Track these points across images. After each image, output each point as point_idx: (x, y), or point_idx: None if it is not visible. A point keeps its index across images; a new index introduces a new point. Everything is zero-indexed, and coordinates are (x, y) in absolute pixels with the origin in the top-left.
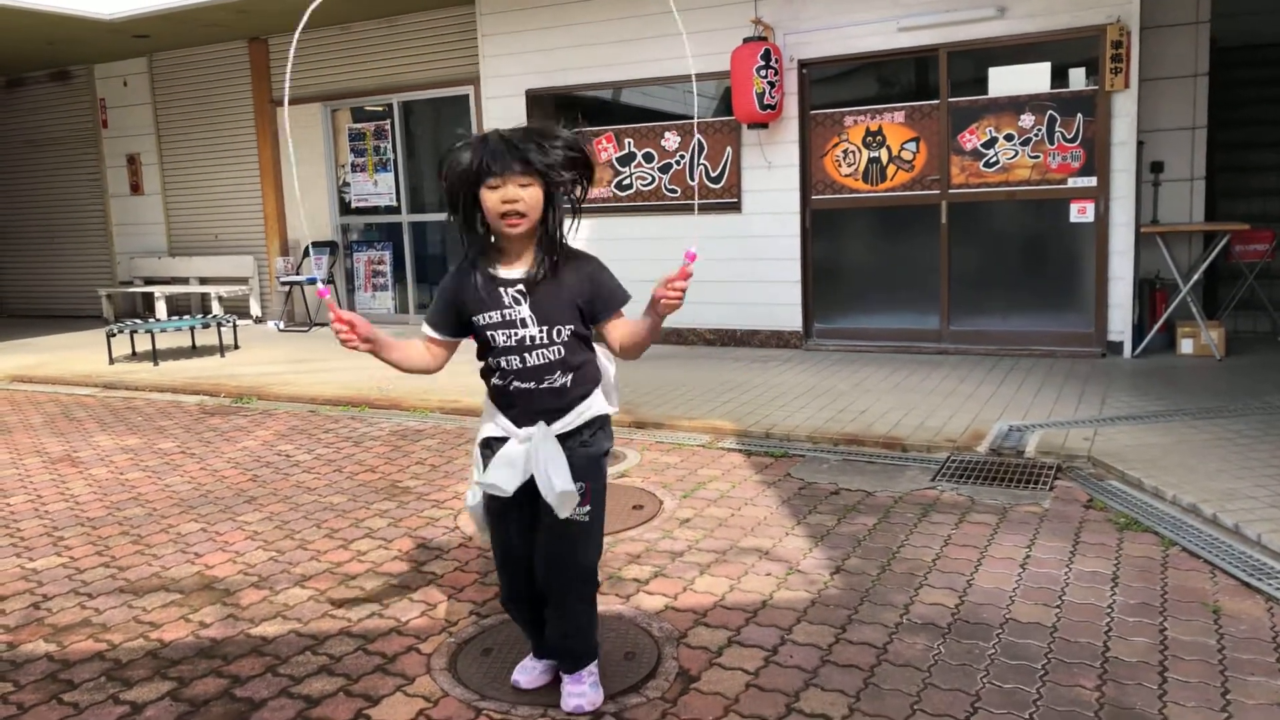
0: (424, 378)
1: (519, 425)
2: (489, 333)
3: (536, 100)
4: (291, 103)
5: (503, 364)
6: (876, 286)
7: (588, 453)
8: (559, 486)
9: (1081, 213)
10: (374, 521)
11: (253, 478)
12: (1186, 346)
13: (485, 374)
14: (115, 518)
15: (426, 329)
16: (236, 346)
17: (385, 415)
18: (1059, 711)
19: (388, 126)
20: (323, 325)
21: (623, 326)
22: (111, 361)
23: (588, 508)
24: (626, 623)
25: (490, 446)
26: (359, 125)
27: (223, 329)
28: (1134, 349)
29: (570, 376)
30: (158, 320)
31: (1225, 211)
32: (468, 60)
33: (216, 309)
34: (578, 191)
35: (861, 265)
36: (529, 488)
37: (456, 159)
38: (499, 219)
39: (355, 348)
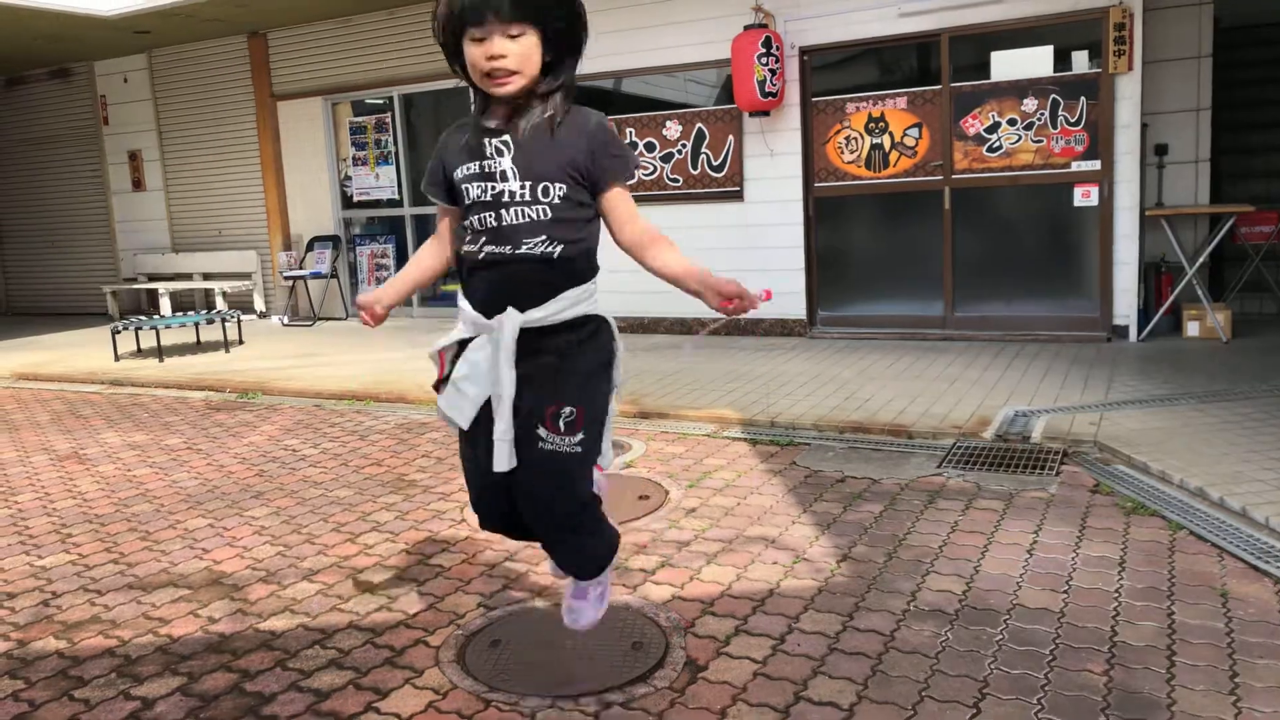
0: (429, 374)
1: (488, 314)
2: (464, 186)
3: None
4: (292, 97)
5: (475, 223)
6: (880, 274)
7: (578, 364)
8: (470, 402)
9: (1085, 196)
10: (381, 515)
11: (259, 473)
12: (1193, 329)
13: (458, 248)
14: (123, 514)
15: (427, 192)
16: (241, 342)
17: (391, 408)
18: (1067, 696)
19: (388, 119)
20: (327, 319)
21: (626, 210)
22: (117, 358)
23: (579, 435)
24: (634, 613)
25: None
26: (360, 118)
27: (227, 324)
28: (1140, 333)
29: (559, 247)
30: (162, 317)
31: (1230, 193)
32: None
33: (220, 304)
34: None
35: (865, 252)
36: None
37: (450, 3)
38: (484, 77)
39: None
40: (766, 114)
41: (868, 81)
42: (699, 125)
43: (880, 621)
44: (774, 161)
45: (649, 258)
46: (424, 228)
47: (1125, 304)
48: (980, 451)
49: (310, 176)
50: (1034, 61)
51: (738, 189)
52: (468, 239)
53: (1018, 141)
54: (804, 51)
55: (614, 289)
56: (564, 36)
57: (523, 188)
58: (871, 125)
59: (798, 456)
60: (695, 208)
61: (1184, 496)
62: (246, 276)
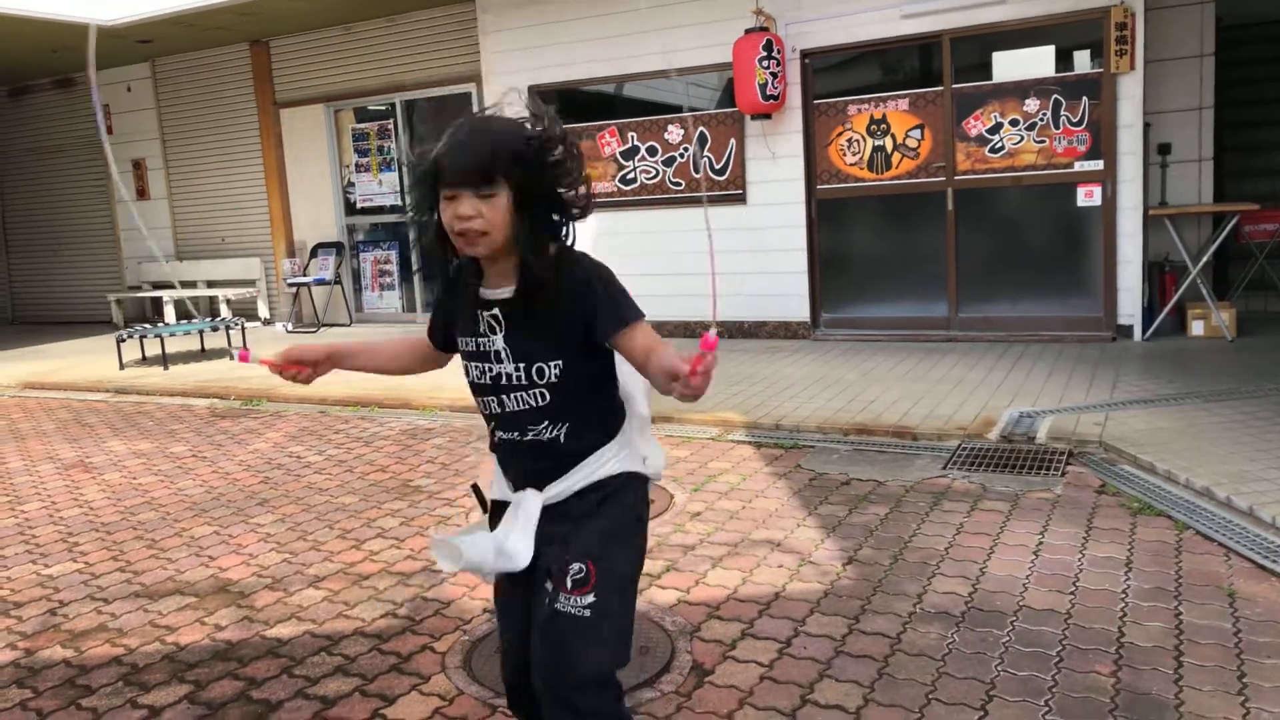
0: (432, 374)
1: (514, 486)
2: (465, 363)
3: (541, 96)
4: (294, 104)
5: (483, 406)
6: (884, 275)
7: (593, 525)
8: (499, 558)
9: (1088, 196)
10: (386, 521)
11: (264, 480)
12: (1197, 328)
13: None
14: (129, 522)
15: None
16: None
17: (395, 414)
18: (1075, 698)
19: (391, 126)
20: (331, 325)
21: (644, 343)
22: (122, 366)
23: (590, 598)
24: (640, 617)
25: (497, 512)
26: (362, 125)
27: (231, 331)
28: (1144, 332)
29: (564, 428)
30: (166, 324)
31: (1234, 192)
32: (469, 58)
33: (224, 312)
34: (571, 195)
35: (868, 254)
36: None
37: (423, 151)
38: (455, 236)
39: (308, 380)
40: (768, 117)
41: (869, 83)
42: (701, 128)
43: (886, 624)
44: (776, 164)
45: (656, 384)
46: None
47: (1129, 303)
48: (985, 453)
49: (313, 183)
50: (1036, 62)
51: (740, 192)
52: (484, 415)
53: (1020, 142)
54: (805, 54)
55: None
56: (545, 192)
57: (517, 370)
58: (873, 127)
59: (802, 459)
60: (698, 211)
61: (1190, 496)
62: (250, 284)
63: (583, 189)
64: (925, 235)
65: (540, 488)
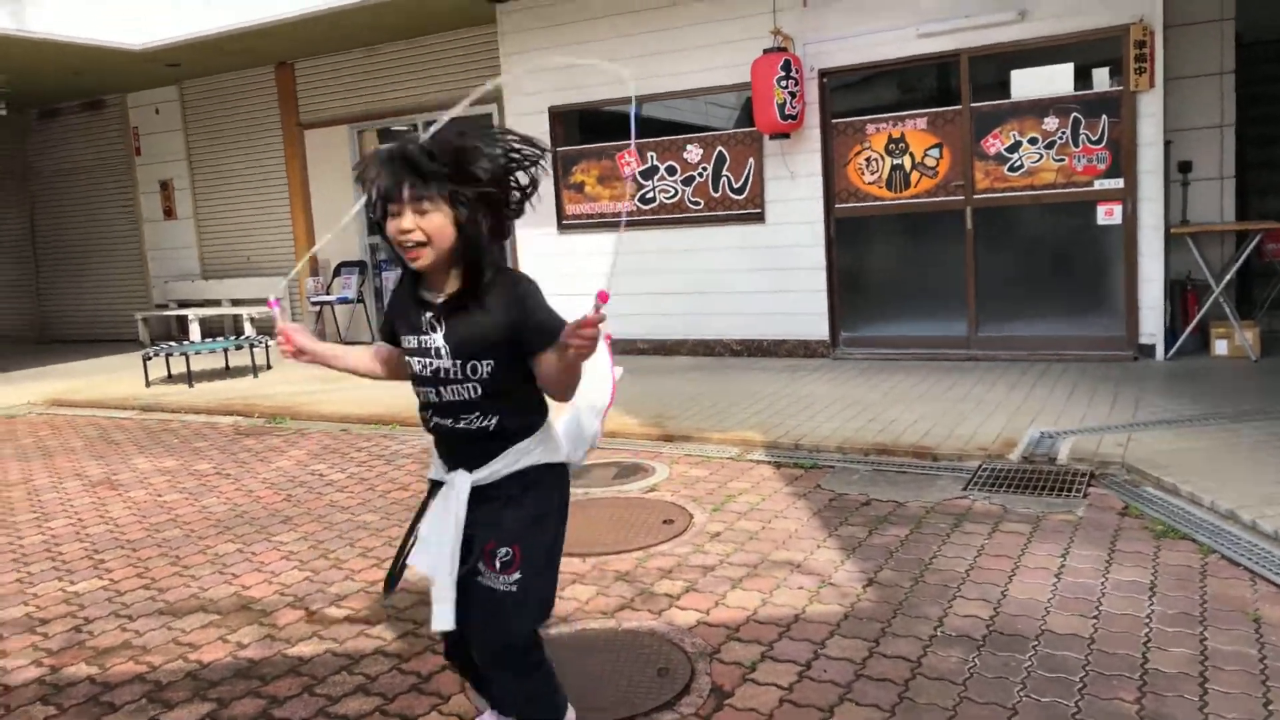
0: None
1: (448, 467)
2: (408, 358)
3: (559, 117)
4: (318, 125)
5: (421, 395)
6: (903, 294)
7: (518, 512)
8: (432, 558)
9: (1109, 215)
10: None
11: (287, 497)
12: (1221, 348)
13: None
14: (154, 539)
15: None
16: (269, 367)
17: (415, 432)
18: None
19: None
20: (354, 344)
21: (548, 364)
22: (148, 384)
23: (515, 575)
24: (659, 638)
25: (433, 490)
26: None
27: (255, 350)
28: (1167, 351)
29: (495, 419)
30: (192, 342)
31: (1257, 209)
32: (491, 79)
33: (249, 330)
34: (512, 204)
35: (887, 273)
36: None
37: (363, 172)
38: (398, 249)
39: (294, 358)
40: (787, 136)
41: (887, 102)
42: (720, 148)
43: (907, 647)
44: (795, 183)
45: (554, 393)
46: None
47: (1152, 322)
48: (1006, 473)
49: (337, 203)
50: (1054, 80)
51: (759, 211)
52: (420, 404)
53: (1039, 160)
54: (823, 74)
55: (636, 311)
56: (481, 204)
57: (454, 365)
58: (892, 146)
59: (822, 479)
60: (716, 230)
61: (1215, 519)
62: None
63: (523, 204)
64: (944, 254)
65: (470, 469)
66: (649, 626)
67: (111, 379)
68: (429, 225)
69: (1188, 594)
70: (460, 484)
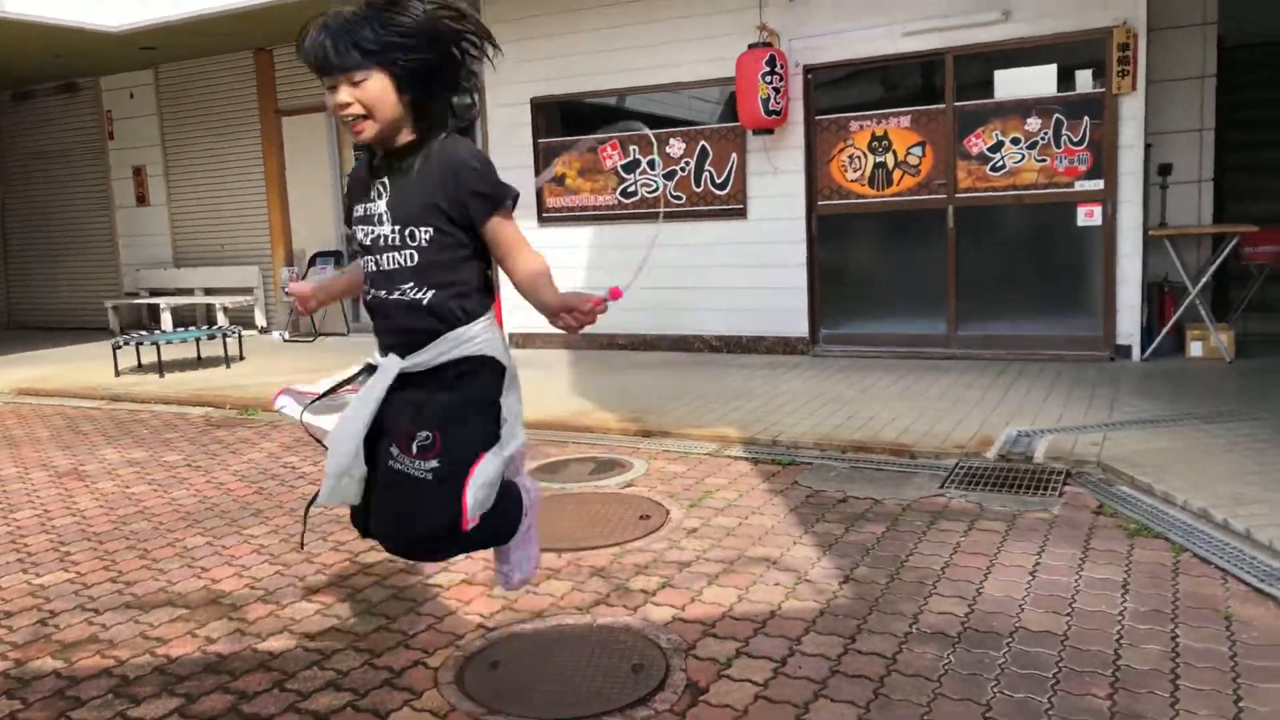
0: None
1: (383, 351)
2: (355, 228)
3: (541, 108)
4: (296, 112)
5: (363, 265)
6: (883, 292)
7: (444, 397)
8: (339, 431)
9: (1089, 216)
10: None
11: (258, 490)
12: (1196, 349)
13: None
14: (122, 532)
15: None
16: (242, 357)
17: None
18: None
19: None
20: (328, 335)
21: (505, 243)
22: (118, 373)
23: (433, 463)
24: (634, 634)
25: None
26: None
27: (228, 340)
28: (1143, 352)
29: (430, 293)
30: (163, 332)
31: (1234, 213)
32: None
33: (221, 320)
34: (461, 76)
35: (868, 271)
36: (378, 420)
37: (299, 52)
38: (342, 124)
39: (306, 312)
40: (770, 132)
41: (871, 100)
42: (702, 143)
43: (882, 644)
44: (777, 179)
45: (518, 285)
46: None
47: (1129, 323)
48: (983, 472)
49: (313, 192)
50: (1038, 81)
51: (741, 206)
52: (363, 274)
53: (1021, 160)
54: (808, 70)
55: (615, 305)
56: (422, 73)
57: (393, 232)
58: (875, 144)
59: (800, 476)
60: (698, 225)
61: (1188, 518)
62: (248, 292)
63: (471, 69)
64: (925, 253)
65: (403, 355)
66: (624, 622)
67: (80, 368)
68: (366, 96)
69: (1160, 592)
70: (389, 365)
